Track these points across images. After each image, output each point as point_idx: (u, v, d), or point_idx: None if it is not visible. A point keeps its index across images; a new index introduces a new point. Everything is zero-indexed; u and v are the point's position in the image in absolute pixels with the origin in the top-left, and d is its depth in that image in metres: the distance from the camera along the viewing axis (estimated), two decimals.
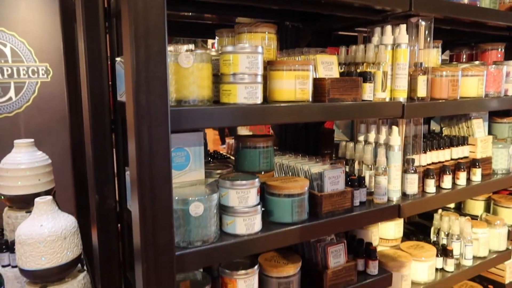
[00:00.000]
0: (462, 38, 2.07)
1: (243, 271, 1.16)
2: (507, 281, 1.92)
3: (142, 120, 0.88)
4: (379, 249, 1.60)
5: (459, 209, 2.07)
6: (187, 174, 1.18)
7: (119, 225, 1.47)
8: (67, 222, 1.28)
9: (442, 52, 2.20)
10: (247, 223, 1.11)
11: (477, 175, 1.67)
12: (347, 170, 1.53)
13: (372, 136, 1.49)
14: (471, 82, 1.56)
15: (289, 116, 1.12)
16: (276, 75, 1.15)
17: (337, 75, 1.28)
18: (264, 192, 1.23)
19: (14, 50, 2.33)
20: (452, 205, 2.11)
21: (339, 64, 1.50)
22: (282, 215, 1.19)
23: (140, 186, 0.88)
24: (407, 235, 1.85)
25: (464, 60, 2.08)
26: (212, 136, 4.78)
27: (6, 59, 2.32)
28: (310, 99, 1.18)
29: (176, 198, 1.03)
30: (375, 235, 1.61)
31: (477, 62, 1.82)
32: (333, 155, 1.68)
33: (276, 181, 1.23)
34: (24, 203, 1.47)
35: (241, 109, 1.04)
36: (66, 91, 2.04)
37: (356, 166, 1.50)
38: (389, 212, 1.39)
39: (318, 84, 1.20)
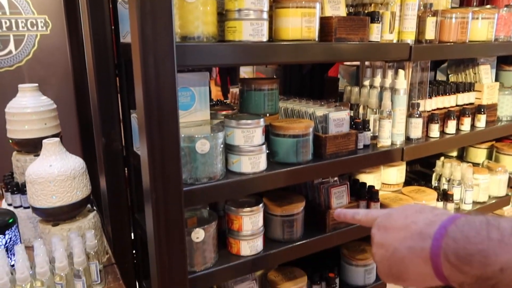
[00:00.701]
0: None
1: (248, 209, 1.20)
2: None
3: (148, 56, 0.87)
4: (381, 193, 1.63)
5: (461, 158, 2.09)
6: (193, 114, 1.18)
7: (126, 169, 1.51)
8: (76, 163, 1.30)
9: None
10: (252, 162, 1.13)
11: (481, 121, 1.67)
12: (352, 114, 1.54)
13: (377, 80, 1.48)
14: (481, 25, 1.53)
15: (295, 55, 1.11)
16: (282, 12, 1.12)
17: (344, 15, 1.25)
18: (269, 134, 1.24)
19: (11, 1, 2.27)
20: (454, 154, 2.12)
21: (347, 5, 1.47)
22: (287, 156, 1.21)
23: (148, 120, 0.89)
24: (409, 183, 1.87)
25: (475, 4, 2.02)
26: (214, 92, 4.76)
27: (4, 10, 2.27)
28: (317, 38, 1.16)
29: (183, 135, 1.04)
30: (377, 179, 1.64)
31: (488, 6, 1.77)
32: (338, 103, 1.67)
33: (281, 122, 1.23)
34: (32, 147, 1.49)
35: (246, 46, 1.03)
36: (68, 42, 2.01)
37: (361, 110, 1.50)
38: (392, 155, 1.40)
39: (324, 23, 1.18)
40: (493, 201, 1.83)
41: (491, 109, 1.73)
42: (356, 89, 1.53)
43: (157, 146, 0.92)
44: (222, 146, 1.10)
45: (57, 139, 1.31)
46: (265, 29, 1.07)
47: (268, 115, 1.32)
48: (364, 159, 1.34)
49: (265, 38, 1.07)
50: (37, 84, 1.50)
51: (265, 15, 1.06)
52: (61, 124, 1.58)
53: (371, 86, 1.50)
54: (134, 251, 1.59)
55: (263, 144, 1.16)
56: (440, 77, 2.03)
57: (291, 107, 1.41)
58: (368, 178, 1.59)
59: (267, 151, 1.22)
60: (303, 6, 1.11)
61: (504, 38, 1.62)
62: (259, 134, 1.15)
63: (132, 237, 1.59)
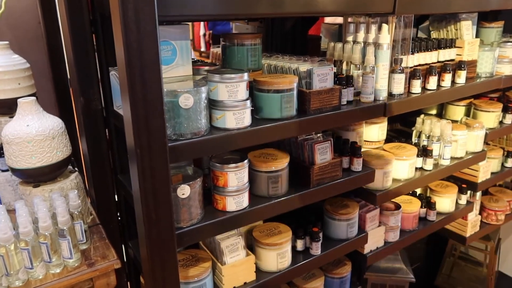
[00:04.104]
0: None
1: (233, 165, 1.20)
2: (479, 181, 2.04)
3: (127, 4, 0.83)
4: (363, 150, 1.66)
5: (441, 115, 2.13)
6: (175, 69, 1.15)
7: (106, 130, 1.47)
8: (54, 122, 1.26)
9: None
10: (236, 117, 1.12)
11: (461, 78, 1.69)
12: (335, 71, 1.52)
13: (361, 36, 1.46)
14: None
15: (277, 6, 1.07)
16: None
17: None
18: (253, 89, 1.22)
19: None
20: (434, 111, 2.16)
21: None
22: (271, 111, 1.20)
23: (129, 74, 0.86)
24: (390, 140, 1.90)
25: None
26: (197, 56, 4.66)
27: None
28: None
29: (166, 90, 1.01)
30: (360, 136, 1.65)
31: None
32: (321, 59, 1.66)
33: (265, 77, 1.21)
34: (6, 108, 1.43)
35: None
36: (38, 1, 1.91)
37: (344, 66, 1.49)
38: (375, 110, 1.41)
39: None
40: (470, 156, 1.89)
41: (471, 65, 1.75)
42: (340, 45, 1.51)
43: (140, 101, 0.89)
44: (205, 101, 1.08)
45: (33, 98, 1.26)
46: None
47: (251, 71, 1.30)
48: (347, 114, 1.34)
49: None
50: (7, 42, 1.43)
51: None
52: (36, 87, 1.52)
53: (355, 41, 1.49)
54: (118, 213, 1.58)
55: (247, 99, 1.14)
56: (421, 35, 2.03)
57: (274, 64, 1.39)
58: (350, 135, 1.61)
59: (252, 107, 1.21)
60: None
61: None
62: (243, 89, 1.13)
63: (116, 199, 1.58)
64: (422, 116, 1.95)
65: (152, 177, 0.94)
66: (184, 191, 1.12)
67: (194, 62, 1.47)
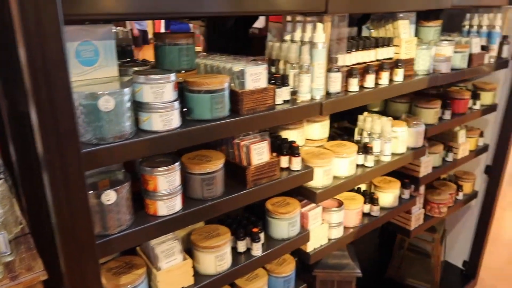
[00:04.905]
0: None
1: (163, 168, 1.16)
2: (421, 175, 2.11)
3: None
4: (305, 148, 1.67)
5: (384, 113, 2.18)
6: (98, 70, 1.10)
7: None
8: None
9: None
10: (164, 119, 1.09)
11: (399, 75, 1.73)
12: (274, 70, 1.52)
13: (298, 35, 1.47)
14: None
15: (199, 4, 1.05)
16: None
17: None
18: (184, 90, 1.19)
19: None
20: (377, 109, 2.20)
21: None
22: (201, 112, 1.18)
23: (32, 74, 0.81)
24: (334, 138, 1.93)
25: None
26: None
27: None
28: None
29: (86, 92, 0.97)
30: (301, 135, 1.66)
31: None
32: (255, 58, 1.65)
33: (195, 78, 1.19)
34: None
35: None
36: None
37: (281, 65, 1.49)
38: (311, 109, 1.42)
39: None
40: (411, 152, 1.94)
41: (408, 63, 1.80)
42: (277, 44, 1.50)
43: (46, 105, 0.83)
44: (129, 103, 1.04)
45: None
46: None
47: (184, 71, 1.27)
48: (282, 114, 1.34)
49: None
50: None
51: None
52: None
53: (292, 40, 1.49)
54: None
55: (175, 100, 1.11)
56: (367, 34, 2.06)
57: (210, 63, 1.37)
58: (291, 134, 1.61)
59: (184, 109, 1.18)
60: None
61: None
62: (170, 90, 1.10)
63: None
64: (365, 113, 1.98)
65: (65, 185, 0.90)
66: (109, 197, 1.08)
67: (129, 62, 1.42)
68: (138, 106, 1.09)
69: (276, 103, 1.36)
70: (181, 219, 1.22)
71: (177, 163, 1.20)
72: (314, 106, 1.42)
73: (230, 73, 1.28)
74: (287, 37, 1.50)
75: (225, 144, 1.43)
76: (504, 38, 2.30)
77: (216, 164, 1.27)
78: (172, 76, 1.10)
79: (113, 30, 1.12)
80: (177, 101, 1.12)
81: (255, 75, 1.26)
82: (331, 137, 1.93)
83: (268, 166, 1.39)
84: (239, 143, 1.37)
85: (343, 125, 2.25)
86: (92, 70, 1.09)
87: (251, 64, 1.29)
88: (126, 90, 1.03)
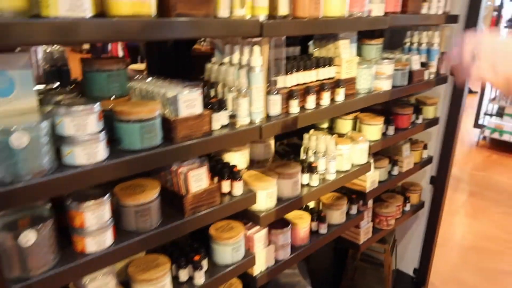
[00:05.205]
0: None
1: (90, 202, 1.10)
2: (367, 190, 2.14)
3: None
4: (248, 170, 1.64)
5: (331, 129, 2.20)
6: (13, 102, 1.03)
7: None
8: None
9: None
10: (87, 153, 1.03)
11: (340, 95, 1.75)
12: (212, 93, 1.49)
13: (236, 57, 1.45)
14: (335, 1, 1.56)
15: (126, 34, 1.01)
16: None
17: None
18: (112, 119, 1.14)
19: None
20: (325, 125, 2.22)
21: None
22: (131, 142, 1.13)
23: None
24: (283, 156, 1.92)
25: None
26: None
27: None
28: (154, 14, 1.07)
29: None
30: (245, 157, 1.64)
31: None
32: (190, 83, 1.61)
33: (124, 106, 1.14)
34: None
35: (62, 23, 0.90)
36: None
37: (220, 89, 1.46)
38: (250, 133, 1.40)
39: None
40: (356, 168, 1.96)
41: (350, 82, 1.82)
42: (216, 66, 1.48)
43: None
44: (47, 137, 0.98)
45: None
46: (88, 3, 0.95)
47: (113, 98, 1.22)
48: (220, 140, 1.31)
49: (88, 13, 0.95)
50: None
51: None
52: None
53: (230, 63, 1.47)
54: None
55: (100, 131, 1.06)
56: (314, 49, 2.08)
57: (144, 88, 1.32)
58: (234, 156, 1.58)
59: (114, 138, 1.13)
60: None
61: (358, 14, 1.69)
62: (94, 121, 1.04)
63: None
64: (311, 131, 2.00)
65: None
66: (28, 237, 1.00)
67: (57, 87, 1.35)
68: (59, 139, 1.02)
69: (214, 128, 1.33)
70: (113, 254, 1.15)
71: (106, 196, 1.14)
72: (253, 130, 1.40)
73: (164, 99, 1.24)
74: (226, 60, 1.48)
75: (163, 170, 1.38)
76: (443, 54, 2.40)
77: (150, 194, 1.22)
78: (97, 107, 1.04)
79: (36, 56, 1.05)
80: (103, 132, 1.06)
81: (189, 102, 1.23)
82: (280, 154, 1.93)
83: (207, 193, 1.35)
84: (176, 170, 1.33)
85: (293, 141, 2.26)
86: (6, 102, 1.02)
87: (186, 90, 1.25)
88: (43, 124, 0.96)
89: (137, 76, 1.39)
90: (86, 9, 0.94)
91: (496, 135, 5.85)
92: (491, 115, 6.15)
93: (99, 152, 1.05)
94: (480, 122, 6.51)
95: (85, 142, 1.02)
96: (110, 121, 1.14)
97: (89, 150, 1.03)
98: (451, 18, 2.32)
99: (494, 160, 5.67)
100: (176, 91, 1.23)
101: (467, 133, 6.49)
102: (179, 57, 1.81)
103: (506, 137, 5.75)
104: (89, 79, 1.21)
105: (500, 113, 6.02)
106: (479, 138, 6.12)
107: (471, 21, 2.32)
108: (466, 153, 5.91)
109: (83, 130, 1.02)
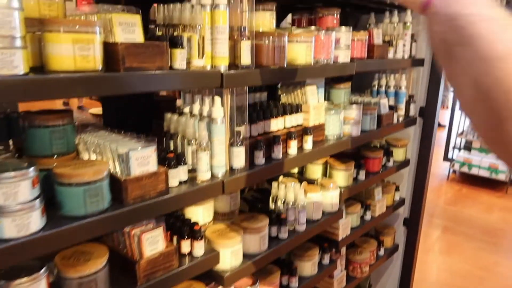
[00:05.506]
0: (304, 2, 2.04)
1: (24, 279, 0.96)
2: (340, 238, 2.06)
3: None
4: (212, 225, 1.53)
5: (302, 174, 2.13)
6: None
7: None
8: None
9: (284, 17, 2.16)
10: (18, 224, 0.90)
11: (308, 143, 1.68)
12: (172, 145, 1.39)
13: (196, 108, 1.37)
14: (299, 48, 1.52)
15: (66, 90, 0.91)
16: (50, 37, 0.91)
17: (141, 39, 1.09)
18: (53, 182, 1.02)
19: None
20: (295, 170, 2.15)
21: (157, 25, 1.32)
22: (73, 207, 1.00)
23: None
24: (253, 203, 1.82)
25: (304, 25, 2.06)
26: None
27: None
28: (100, 68, 0.98)
29: None
30: (208, 210, 1.53)
31: (313, 28, 1.80)
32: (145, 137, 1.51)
33: (66, 168, 1.02)
34: None
35: None
36: None
37: (179, 141, 1.37)
38: (211, 189, 1.30)
39: (110, 50, 1.00)
40: (327, 217, 1.88)
41: (318, 129, 1.77)
42: (175, 116, 1.39)
43: None
44: None
45: None
46: (21, 60, 0.85)
47: (55, 156, 1.10)
48: (177, 199, 1.21)
49: (21, 70, 0.85)
50: None
51: (19, 42, 0.84)
52: None
53: (191, 113, 1.38)
54: None
55: (35, 199, 0.94)
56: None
57: (94, 143, 1.21)
58: (196, 211, 1.47)
59: (55, 203, 1.01)
60: (76, 31, 0.92)
61: (323, 61, 1.65)
62: (27, 188, 0.92)
63: None
64: (280, 178, 1.91)
65: None
66: None
67: None
68: None
69: (172, 185, 1.23)
70: None
71: (42, 270, 1.00)
72: (215, 185, 1.30)
73: (115, 155, 1.13)
74: (186, 110, 1.40)
75: (115, 231, 1.25)
76: (410, 97, 2.40)
77: (96, 264, 1.09)
78: (32, 172, 0.93)
79: None
80: (39, 199, 0.94)
81: (143, 159, 1.13)
82: (248, 202, 1.83)
83: (164, 256, 1.23)
84: (129, 232, 1.20)
85: (263, 186, 2.16)
86: None
87: (139, 144, 1.15)
88: None
89: (89, 127, 1.28)
90: (18, 66, 0.84)
91: (465, 169, 5.94)
92: (459, 148, 6.27)
93: (32, 222, 0.92)
94: (449, 155, 6.63)
95: (16, 212, 0.89)
96: (50, 183, 1.02)
97: (20, 221, 0.90)
98: (417, 62, 2.34)
99: (465, 194, 5.73)
100: (128, 147, 1.12)
101: (437, 167, 6.58)
102: (139, 101, 1.70)
103: (474, 171, 5.85)
104: (30, 135, 1.09)
105: (468, 147, 6.15)
106: (449, 171, 6.20)
107: (437, 64, 2.34)
108: (438, 187, 5.96)
109: (14, 199, 0.90)
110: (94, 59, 0.95)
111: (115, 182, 1.09)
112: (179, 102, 1.82)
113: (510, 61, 0.50)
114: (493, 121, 0.52)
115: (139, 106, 1.71)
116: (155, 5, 1.39)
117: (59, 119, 1.10)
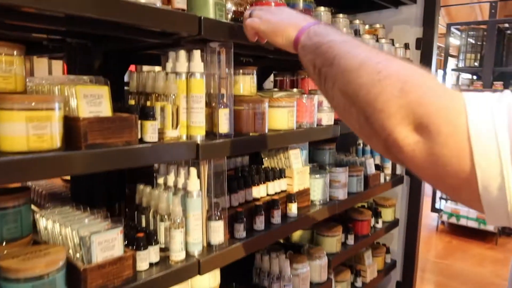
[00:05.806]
0: (287, 65, 2.01)
1: None
2: None
3: None
4: None
5: (288, 239, 2.00)
6: None
7: None
8: None
9: (266, 78, 2.13)
10: None
11: (293, 210, 1.58)
12: (143, 221, 1.27)
13: (171, 179, 1.26)
14: (281, 113, 1.46)
15: (17, 174, 0.81)
16: (4, 116, 0.82)
17: (108, 112, 1.00)
18: None
19: None
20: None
21: (130, 93, 1.25)
22: None
23: None
24: (233, 276, 1.67)
25: (286, 86, 2.03)
26: None
27: None
28: (58, 146, 0.88)
29: None
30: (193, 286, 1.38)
31: (295, 90, 1.75)
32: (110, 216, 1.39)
33: (13, 259, 0.89)
34: None
35: None
36: None
37: (151, 216, 1.25)
38: (186, 271, 1.17)
39: (71, 126, 0.91)
40: None
41: (303, 194, 1.67)
42: (148, 189, 1.28)
43: None
44: None
45: None
46: None
47: (5, 242, 0.97)
48: (146, 286, 1.07)
49: None
50: None
51: None
52: None
53: (165, 185, 1.28)
54: None
55: None
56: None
57: (53, 224, 1.08)
58: None
59: None
60: (31, 108, 0.83)
61: (306, 125, 1.59)
62: None
63: None
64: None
65: None
66: None
67: None
68: None
69: (140, 269, 1.09)
70: None
71: None
72: (190, 266, 1.17)
73: (76, 238, 1.01)
74: (160, 181, 1.29)
75: None
76: None
77: None
78: None
79: None
80: None
81: (106, 243, 1.00)
82: (231, 273, 1.67)
83: None
84: None
85: None
86: None
87: (103, 226, 1.03)
88: None
89: (47, 206, 1.16)
90: None
91: (453, 220, 5.86)
92: (446, 199, 6.22)
93: None
94: (437, 206, 6.56)
95: None
96: None
97: None
98: None
99: (455, 246, 5.60)
100: (90, 229, 1.00)
101: (425, 217, 6.45)
102: (112, 176, 1.59)
103: (463, 222, 5.77)
104: None
105: None
106: (438, 222, 6.11)
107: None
108: (427, 239, 5.83)
109: None
110: (51, 138, 0.86)
111: (73, 272, 0.95)
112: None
113: (363, 70, 0.62)
114: (362, 118, 0.63)
115: (111, 171, 1.60)
116: (130, 69, 1.33)
117: (12, 200, 0.99)
